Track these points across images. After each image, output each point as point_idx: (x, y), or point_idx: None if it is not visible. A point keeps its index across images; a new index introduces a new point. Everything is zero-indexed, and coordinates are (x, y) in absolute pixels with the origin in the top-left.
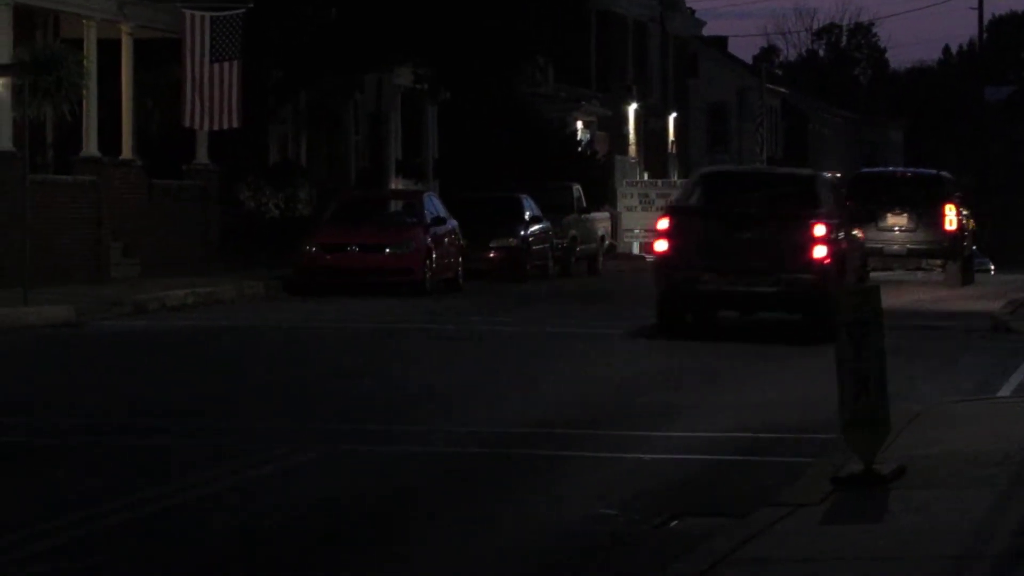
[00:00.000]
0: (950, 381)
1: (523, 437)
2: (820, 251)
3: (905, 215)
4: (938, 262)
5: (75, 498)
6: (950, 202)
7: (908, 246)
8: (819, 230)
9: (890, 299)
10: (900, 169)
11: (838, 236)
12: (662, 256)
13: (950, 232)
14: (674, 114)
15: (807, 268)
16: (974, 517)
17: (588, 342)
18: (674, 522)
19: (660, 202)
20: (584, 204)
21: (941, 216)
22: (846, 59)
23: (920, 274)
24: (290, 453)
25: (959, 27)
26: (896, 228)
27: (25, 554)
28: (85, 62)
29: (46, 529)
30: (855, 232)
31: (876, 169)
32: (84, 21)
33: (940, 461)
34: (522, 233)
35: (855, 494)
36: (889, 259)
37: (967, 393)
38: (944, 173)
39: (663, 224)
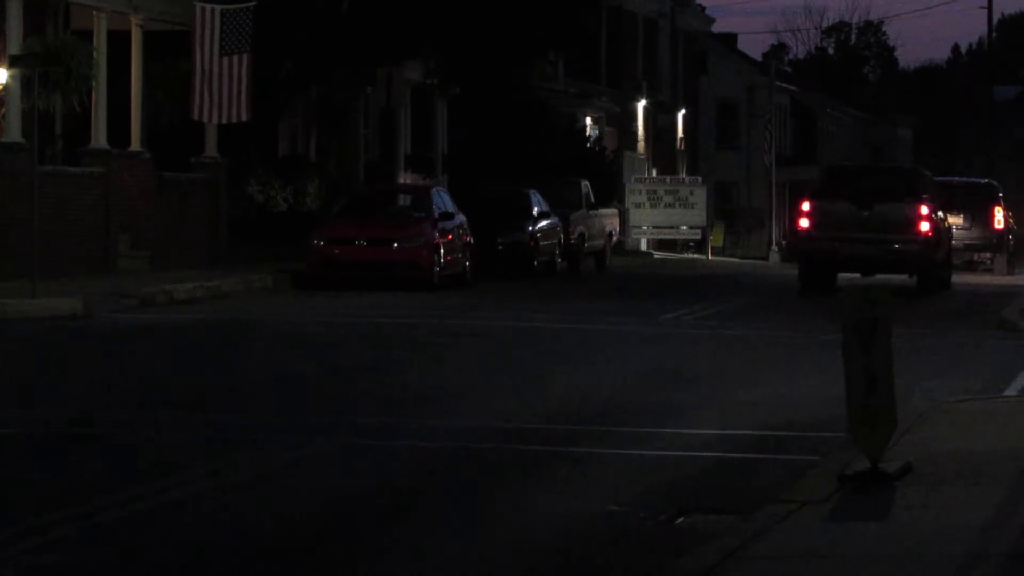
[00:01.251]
0: (957, 379)
1: (529, 433)
2: (924, 226)
3: (961, 216)
4: (988, 255)
5: (77, 492)
6: (998, 205)
7: (964, 241)
8: (923, 210)
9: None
10: (956, 178)
11: (936, 215)
12: (805, 231)
13: (998, 230)
14: (683, 111)
15: (915, 239)
16: (981, 515)
17: (595, 338)
18: (681, 519)
19: (668, 199)
20: (593, 200)
21: (991, 216)
22: (855, 57)
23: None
24: (295, 447)
25: (968, 26)
26: (954, 227)
27: (27, 547)
28: (95, 54)
29: (47, 522)
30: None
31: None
32: (94, 13)
33: (947, 459)
34: (530, 228)
35: (862, 492)
36: None
37: (974, 391)
38: (992, 181)
39: (805, 207)
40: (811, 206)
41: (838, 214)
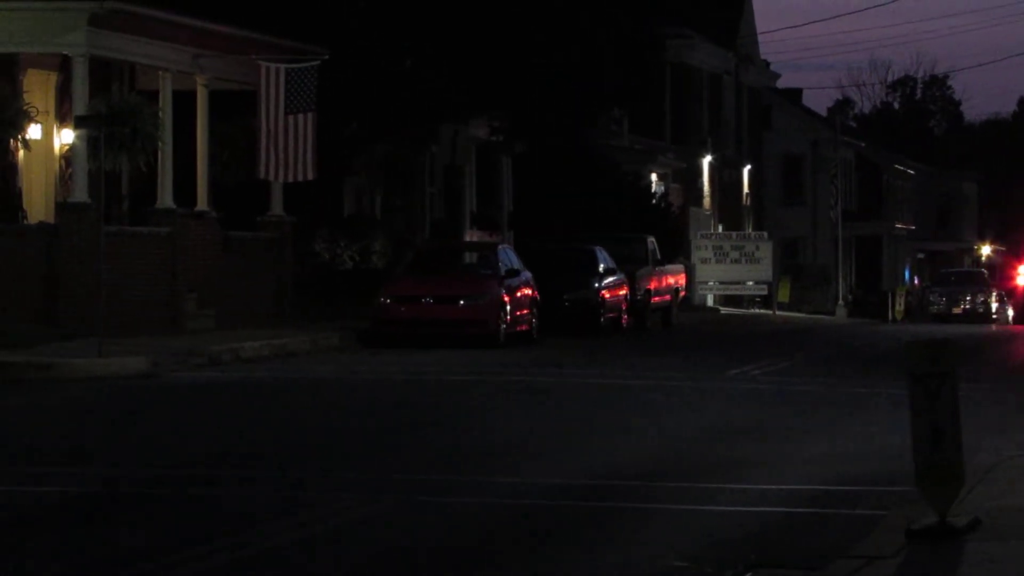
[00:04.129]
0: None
1: (594, 489)
2: None
3: None
4: None
5: (147, 549)
6: None
7: None
8: None
9: None
10: None
11: None
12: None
13: None
14: (748, 166)
15: None
16: None
17: (661, 394)
18: (748, 574)
19: (734, 254)
20: (659, 256)
21: None
22: (920, 111)
23: None
24: (361, 504)
25: None
26: None
27: None
28: (160, 114)
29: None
30: None
31: None
32: (159, 73)
33: (1016, 514)
34: (596, 285)
35: (929, 547)
36: None
37: None
38: None
39: (1021, 269)
40: None
41: None
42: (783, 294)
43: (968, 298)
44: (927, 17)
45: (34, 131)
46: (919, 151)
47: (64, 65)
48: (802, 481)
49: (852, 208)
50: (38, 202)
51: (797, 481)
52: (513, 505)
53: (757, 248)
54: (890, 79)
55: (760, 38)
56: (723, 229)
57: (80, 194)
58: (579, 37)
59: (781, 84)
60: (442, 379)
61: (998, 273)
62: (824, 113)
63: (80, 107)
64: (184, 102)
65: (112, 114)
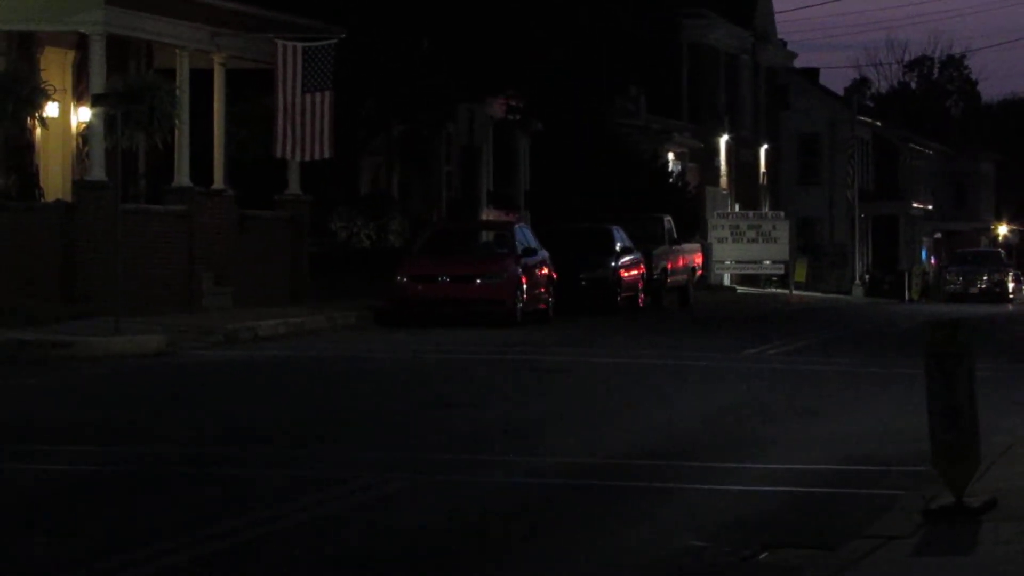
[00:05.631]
0: None
1: (611, 468)
2: None
3: None
4: None
5: (165, 527)
6: None
7: None
8: None
9: None
10: None
11: None
12: None
13: None
14: (765, 146)
15: None
16: None
17: (678, 373)
18: (764, 554)
19: (751, 234)
20: (675, 235)
21: None
22: (938, 91)
23: None
24: (377, 483)
25: None
26: None
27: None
28: (177, 92)
29: (136, 558)
30: None
31: None
32: (177, 51)
33: None
34: (613, 264)
35: (946, 527)
36: None
37: None
38: None
39: None
40: None
41: None
42: (800, 274)
43: (985, 278)
44: None
45: (51, 109)
46: (936, 131)
47: (81, 43)
48: (819, 461)
49: (869, 188)
50: (55, 180)
51: (814, 461)
52: (529, 484)
53: (774, 228)
54: (907, 59)
55: (777, 18)
56: (740, 208)
57: (97, 172)
58: (597, 15)
59: (798, 64)
60: (459, 358)
61: (1015, 253)
62: (841, 93)
63: (97, 85)
64: (201, 80)
65: (129, 92)
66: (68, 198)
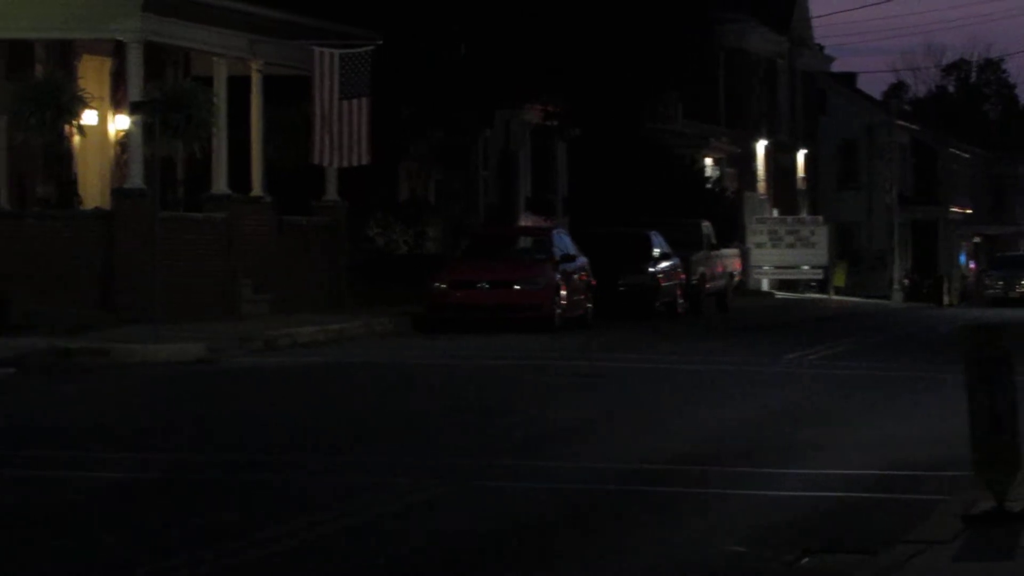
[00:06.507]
0: None
1: (652, 473)
2: None
3: None
4: None
5: (208, 535)
6: None
7: None
8: None
9: None
10: None
11: None
12: None
13: None
14: (803, 150)
15: None
16: None
17: (718, 378)
18: (805, 559)
19: (789, 239)
20: (714, 241)
21: None
22: (976, 95)
23: None
24: (417, 489)
25: None
26: None
27: None
28: (215, 99)
29: (178, 564)
30: None
31: None
32: (214, 58)
33: None
34: (651, 270)
35: (987, 532)
36: None
37: None
38: None
39: None
40: None
41: None
42: (839, 278)
43: None
44: (981, 0)
45: (89, 117)
46: (974, 135)
47: (118, 51)
48: (859, 466)
49: (907, 192)
50: (93, 188)
51: (854, 466)
52: (570, 490)
53: (812, 232)
54: (944, 63)
55: (814, 22)
56: (778, 213)
57: (135, 180)
58: (633, 21)
59: (835, 68)
60: (497, 364)
61: None
62: (879, 97)
63: (135, 93)
64: (238, 87)
65: (167, 100)
66: (106, 206)
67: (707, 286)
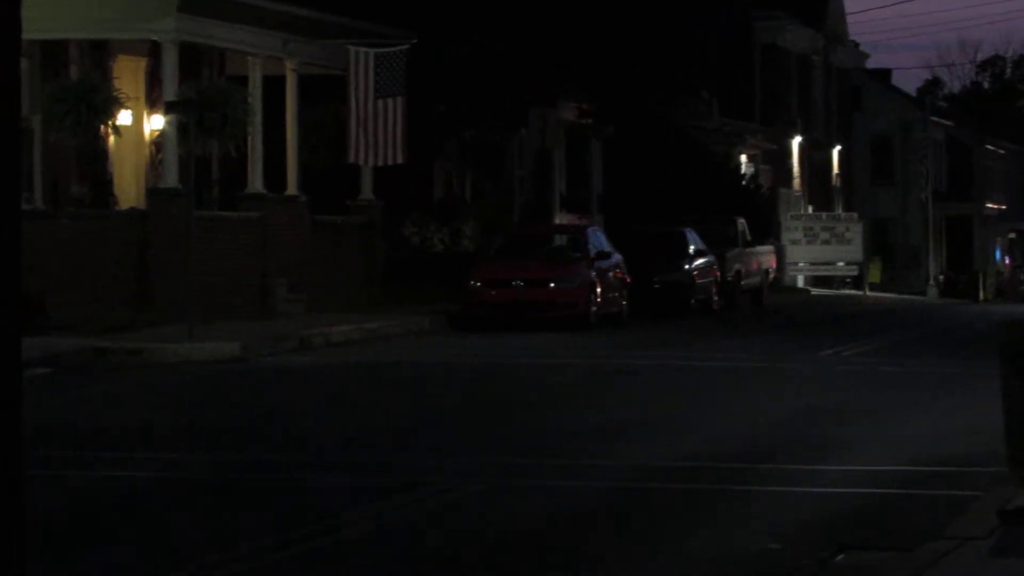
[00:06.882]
0: None
1: (688, 470)
2: None
3: None
4: None
5: (244, 533)
6: None
7: None
8: None
9: None
10: None
11: None
12: None
13: None
14: (838, 147)
15: None
16: None
17: (753, 375)
18: (840, 556)
19: (824, 235)
20: (748, 237)
21: None
22: (1011, 90)
23: None
24: (453, 487)
25: None
26: None
27: None
28: (250, 99)
29: (213, 562)
30: None
31: None
32: (249, 58)
33: None
34: (687, 267)
35: (1022, 527)
36: None
37: None
38: None
39: None
40: None
41: None
42: (874, 275)
43: None
44: None
45: (124, 117)
46: (1009, 131)
47: (153, 51)
48: (895, 462)
49: (942, 188)
50: (129, 188)
51: (890, 462)
52: (606, 488)
53: (847, 229)
54: (979, 59)
55: (848, 19)
56: (813, 210)
57: (170, 180)
58: (670, 19)
59: (870, 65)
60: (532, 362)
61: None
62: (914, 93)
63: (170, 93)
64: (273, 87)
65: (202, 100)
66: (142, 206)
67: (742, 283)
